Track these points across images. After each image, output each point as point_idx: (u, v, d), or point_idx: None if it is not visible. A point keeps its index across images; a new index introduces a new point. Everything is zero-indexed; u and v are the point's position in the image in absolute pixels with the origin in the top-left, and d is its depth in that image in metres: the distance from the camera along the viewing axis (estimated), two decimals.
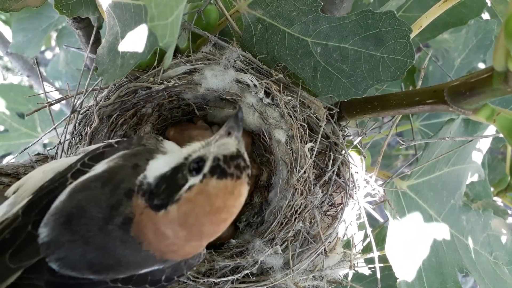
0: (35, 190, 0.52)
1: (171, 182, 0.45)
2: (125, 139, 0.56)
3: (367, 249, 0.75)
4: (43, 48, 1.80)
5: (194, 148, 0.48)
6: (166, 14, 0.45)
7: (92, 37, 0.79)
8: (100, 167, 0.50)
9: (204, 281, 0.63)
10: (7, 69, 3.00)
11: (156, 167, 0.48)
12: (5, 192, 0.67)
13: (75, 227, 0.46)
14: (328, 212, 0.71)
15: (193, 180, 0.44)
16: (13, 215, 0.48)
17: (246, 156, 0.46)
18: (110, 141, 0.56)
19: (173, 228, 0.44)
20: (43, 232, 0.46)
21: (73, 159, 0.54)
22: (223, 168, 0.44)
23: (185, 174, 0.45)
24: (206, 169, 0.44)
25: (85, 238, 0.46)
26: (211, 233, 0.46)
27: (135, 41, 0.59)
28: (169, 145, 0.57)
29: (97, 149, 0.54)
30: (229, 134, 0.48)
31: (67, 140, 0.72)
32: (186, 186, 0.44)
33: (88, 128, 0.70)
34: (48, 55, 2.94)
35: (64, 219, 0.46)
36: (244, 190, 0.45)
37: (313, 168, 0.70)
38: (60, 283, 0.46)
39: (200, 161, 0.45)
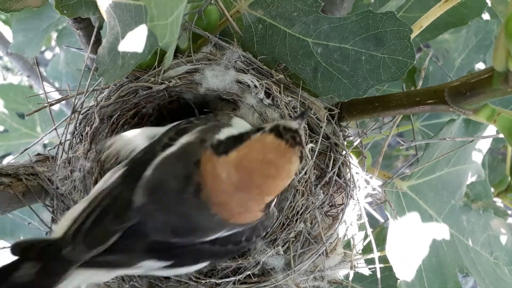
0: (130, 158, 0.60)
1: (237, 139, 0.53)
2: (202, 116, 0.65)
3: (367, 249, 0.75)
4: (43, 48, 1.80)
5: (261, 123, 0.58)
6: (166, 14, 0.45)
7: (93, 38, 0.79)
8: (181, 141, 0.57)
9: (206, 282, 0.63)
10: (7, 69, 3.00)
11: (228, 131, 0.57)
12: (5, 192, 0.68)
13: (159, 197, 0.53)
14: (329, 213, 0.71)
15: (256, 135, 0.52)
16: (113, 183, 0.55)
17: (303, 138, 0.53)
18: (190, 118, 0.64)
19: (228, 170, 0.50)
20: (136, 200, 0.52)
21: (160, 130, 0.62)
22: (280, 131, 0.51)
23: (250, 134, 0.53)
24: (266, 128, 0.52)
25: (167, 206, 0.52)
26: (259, 185, 0.51)
27: (135, 41, 0.59)
28: (238, 121, 0.66)
29: (179, 125, 0.61)
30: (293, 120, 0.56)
31: (68, 140, 0.72)
32: (248, 138, 0.51)
33: (89, 128, 0.70)
34: (48, 55, 2.93)
35: (151, 191, 0.52)
36: (295, 160, 0.51)
37: (314, 169, 0.70)
38: (153, 246, 0.52)
39: (262, 129, 0.53)
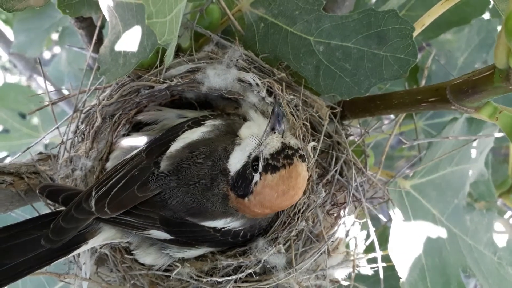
0: (151, 139, 0.69)
1: (243, 178, 0.58)
2: (215, 113, 0.71)
3: (370, 249, 0.74)
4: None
5: (252, 147, 0.59)
6: (165, 12, 0.45)
7: (95, 37, 0.79)
8: (201, 129, 0.64)
9: (207, 280, 0.63)
10: (5, 69, 2.99)
11: (233, 162, 0.61)
12: (7, 190, 0.68)
13: (182, 179, 0.59)
14: (331, 212, 0.71)
15: (256, 176, 0.56)
16: (139, 157, 0.62)
17: (292, 142, 0.56)
18: (206, 113, 0.71)
19: (259, 207, 0.58)
20: (160, 175, 0.60)
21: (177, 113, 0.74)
22: (273, 164, 0.55)
23: (250, 171, 0.57)
24: (260, 168, 0.56)
25: (188, 190, 0.59)
26: (288, 205, 0.60)
27: (136, 40, 0.59)
28: (252, 115, 0.70)
29: (197, 118, 0.68)
30: (272, 130, 0.58)
31: (70, 139, 0.72)
32: (253, 182, 0.57)
33: (91, 127, 0.70)
34: (47, 55, 2.91)
35: (174, 170, 0.60)
36: (300, 169, 0.55)
37: (316, 167, 0.69)
38: (165, 218, 0.60)
39: (256, 160, 0.57)
